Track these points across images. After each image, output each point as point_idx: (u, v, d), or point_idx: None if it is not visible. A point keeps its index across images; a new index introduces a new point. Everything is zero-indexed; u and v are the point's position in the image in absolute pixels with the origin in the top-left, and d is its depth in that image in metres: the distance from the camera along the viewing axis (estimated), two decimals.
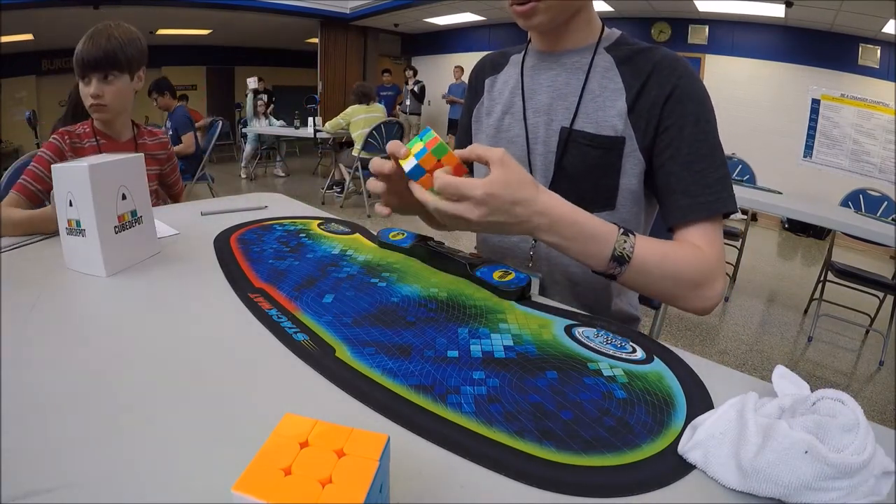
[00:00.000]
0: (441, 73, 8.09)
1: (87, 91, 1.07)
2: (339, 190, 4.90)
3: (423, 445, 0.37)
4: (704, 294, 0.64)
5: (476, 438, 0.38)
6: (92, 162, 0.62)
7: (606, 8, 5.77)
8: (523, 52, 0.81)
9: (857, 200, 2.96)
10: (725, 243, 0.83)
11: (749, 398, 0.37)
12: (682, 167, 0.66)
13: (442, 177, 0.53)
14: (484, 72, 0.87)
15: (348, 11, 7.95)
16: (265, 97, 6.50)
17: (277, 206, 1.02)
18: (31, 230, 0.80)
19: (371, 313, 0.57)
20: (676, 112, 0.67)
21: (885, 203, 2.89)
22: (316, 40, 8.34)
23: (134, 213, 0.69)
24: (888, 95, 4.77)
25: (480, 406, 0.42)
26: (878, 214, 2.80)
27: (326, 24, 8.14)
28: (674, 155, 0.67)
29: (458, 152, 0.56)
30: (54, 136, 1.08)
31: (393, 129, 4.39)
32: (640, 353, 0.52)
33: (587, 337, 0.55)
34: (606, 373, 0.48)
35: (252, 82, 6.06)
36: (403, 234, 0.80)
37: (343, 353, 0.48)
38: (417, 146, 0.57)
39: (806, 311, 2.90)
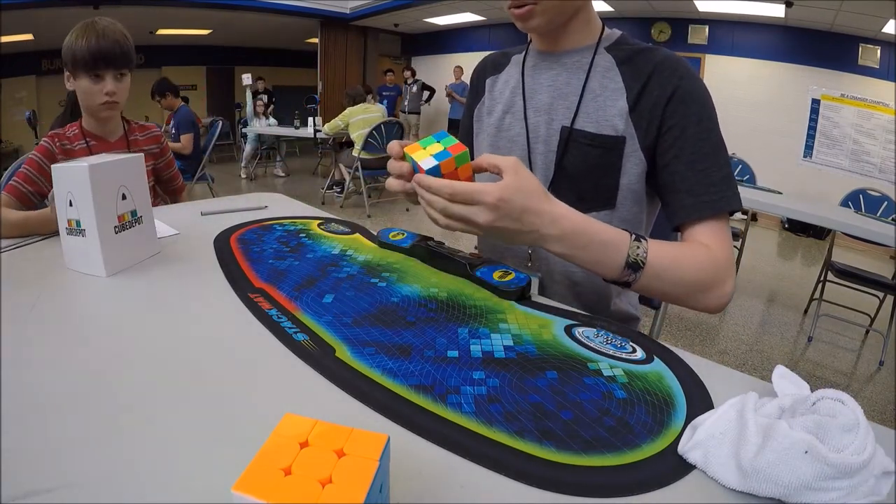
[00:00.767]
0: (441, 73, 8.09)
1: (98, 88, 1.06)
2: (339, 190, 4.90)
3: (423, 445, 0.37)
4: (716, 293, 0.63)
5: (476, 438, 0.38)
6: (92, 162, 0.62)
7: (606, 8, 5.78)
8: (524, 52, 0.81)
9: (857, 200, 2.96)
10: None
11: (749, 398, 0.37)
12: (685, 166, 0.66)
13: (450, 184, 0.53)
14: (485, 72, 0.87)
15: (348, 11, 7.95)
16: (265, 97, 6.50)
17: (277, 206, 1.02)
18: (28, 231, 0.80)
19: (371, 313, 0.57)
20: (679, 112, 0.67)
21: (885, 203, 2.89)
22: (316, 40, 8.34)
23: (134, 213, 0.69)
24: (888, 95, 4.77)
25: (480, 406, 0.42)
26: (878, 214, 2.80)
27: (326, 24, 8.14)
28: (677, 155, 0.67)
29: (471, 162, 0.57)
30: (45, 138, 1.08)
31: (393, 129, 4.39)
32: (640, 353, 0.52)
33: (587, 337, 0.55)
34: (606, 373, 0.48)
35: (247, 79, 6.03)
36: (403, 234, 0.80)
37: (343, 353, 0.48)
38: (435, 147, 0.56)
39: (806, 311, 2.90)
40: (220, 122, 4.11)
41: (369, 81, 7.92)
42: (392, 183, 0.59)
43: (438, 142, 0.57)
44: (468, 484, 0.34)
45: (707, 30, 5.71)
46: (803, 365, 2.32)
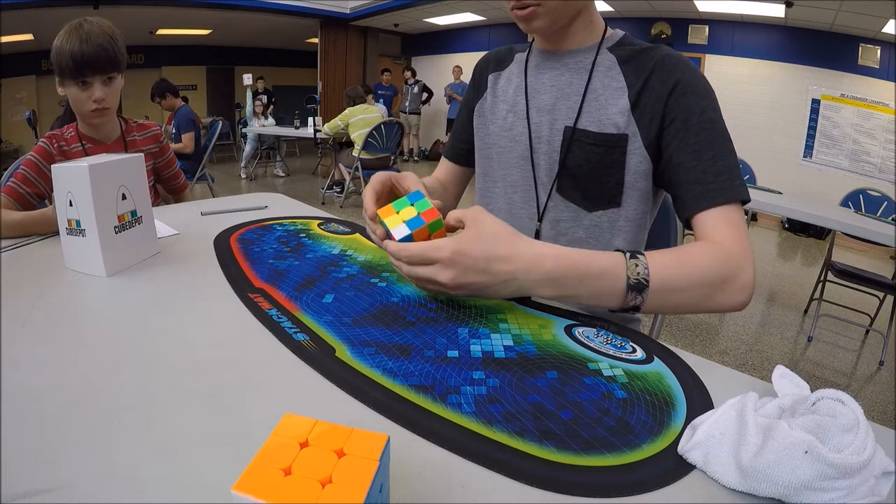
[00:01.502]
0: (441, 73, 8.10)
1: (87, 95, 1.03)
2: (339, 190, 4.90)
3: (423, 445, 0.37)
4: (736, 285, 0.57)
5: (476, 438, 0.38)
6: (92, 162, 0.62)
7: (607, 8, 5.78)
8: (527, 51, 0.81)
9: (857, 200, 2.97)
10: None
11: (749, 398, 0.37)
12: (691, 156, 0.65)
13: (405, 248, 0.53)
14: (488, 68, 0.86)
15: (348, 11, 7.96)
16: (265, 97, 6.50)
17: (277, 206, 1.02)
18: (28, 231, 0.80)
19: (371, 313, 0.57)
20: (681, 105, 0.66)
21: (885, 203, 2.89)
22: (316, 40, 8.35)
23: (134, 213, 0.69)
24: (888, 95, 4.77)
25: (480, 406, 0.42)
26: (878, 214, 2.80)
27: (326, 24, 8.14)
28: (681, 146, 0.66)
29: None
30: (43, 139, 1.07)
31: (393, 129, 4.39)
32: (640, 353, 0.52)
33: (587, 337, 0.55)
34: (606, 373, 0.48)
35: (247, 79, 6.05)
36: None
37: (343, 353, 0.48)
38: (409, 211, 0.56)
39: (806, 311, 2.90)
40: (220, 122, 4.11)
41: (369, 81, 7.93)
42: (373, 240, 0.61)
43: (412, 204, 0.57)
44: (468, 484, 0.34)
45: (707, 30, 5.71)
46: (803, 365, 2.32)
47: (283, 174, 6.33)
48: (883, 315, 2.53)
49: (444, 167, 0.94)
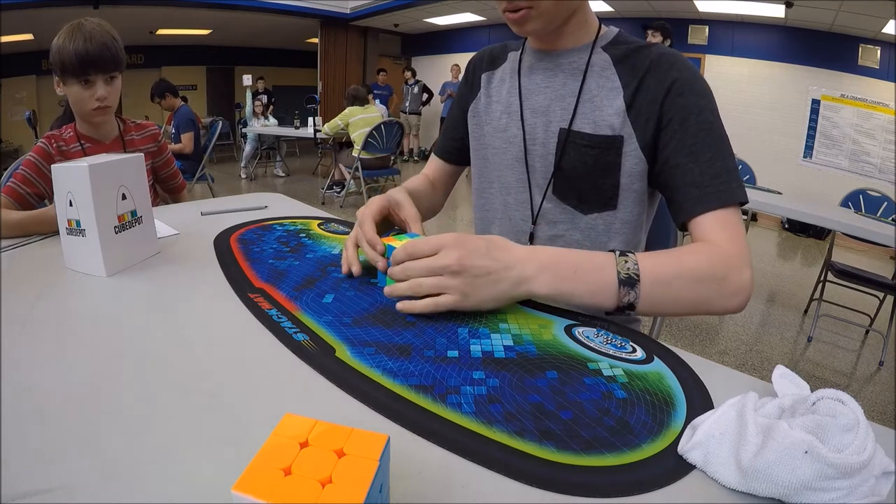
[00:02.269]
0: (441, 73, 8.09)
1: (89, 94, 1.04)
2: (339, 190, 4.90)
3: (423, 445, 0.37)
4: (733, 284, 0.57)
5: (476, 438, 0.38)
6: (92, 162, 0.62)
7: (606, 8, 5.78)
8: (520, 51, 0.80)
9: (857, 200, 2.96)
10: None
11: (749, 398, 0.37)
12: (688, 158, 0.64)
13: (409, 243, 0.56)
14: (481, 66, 0.86)
15: (348, 11, 7.96)
16: (265, 97, 6.50)
17: (277, 206, 1.02)
18: (28, 231, 0.80)
19: (371, 313, 0.57)
20: (677, 105, 0.65)
21: (885, 203, 2.89)
22: (316, 40, 8.35)
23: (134, 213, 0.69)
24: (888, 95, 4.77)
25: (480, 406, 0.42)
26: (878, 214, 2.80)
27: (326, 24, 8.15)
28: (678, 147, 0.65)
29: None
30: (42, 139, 1.07)
31: (393, 129, 4.40)
32: (640, 353, 0.52)
33: (587, 337, 0.55)
34: (606, 373, 0.48)
35: (247, 79, 6.07)
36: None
37: (343, 353, 0.48)
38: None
39: (806, 311, 2.90)
40: (220, 122, 4.12)
41: (369, 81, 7.93)
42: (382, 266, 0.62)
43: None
44: (468, 484, 0.34)
45: (707, 30, 5.72)
46: (803, 365, 2.32)
47: (283, 174, 6.33)
48: (883, 315, 2.53)
49: (434, 165, 0.94)
